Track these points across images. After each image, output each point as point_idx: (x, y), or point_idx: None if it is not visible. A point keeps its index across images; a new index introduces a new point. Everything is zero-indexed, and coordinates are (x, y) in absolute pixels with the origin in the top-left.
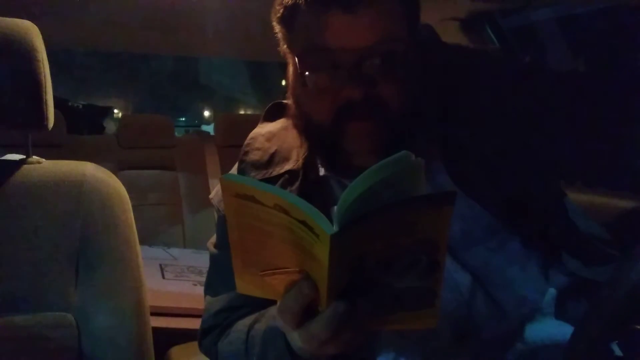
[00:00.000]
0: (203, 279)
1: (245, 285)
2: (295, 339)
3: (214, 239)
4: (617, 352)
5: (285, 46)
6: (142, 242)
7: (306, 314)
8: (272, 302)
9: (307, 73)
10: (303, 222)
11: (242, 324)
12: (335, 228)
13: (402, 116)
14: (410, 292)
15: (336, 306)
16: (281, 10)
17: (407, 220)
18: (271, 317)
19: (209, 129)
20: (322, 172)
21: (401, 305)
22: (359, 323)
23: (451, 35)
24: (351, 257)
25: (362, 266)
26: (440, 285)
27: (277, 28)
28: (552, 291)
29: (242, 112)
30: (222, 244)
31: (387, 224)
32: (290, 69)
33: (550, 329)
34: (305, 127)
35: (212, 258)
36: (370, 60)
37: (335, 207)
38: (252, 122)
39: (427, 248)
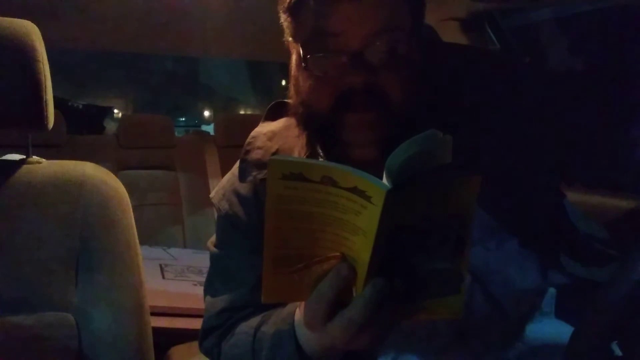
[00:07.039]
0: (203, 279)
1: (273, 290)
2: (321, 335)
3: (213, 238)
4: (617, 352)
5: (290, 37)
6: (142, 242)
7: (334, 312)
8: (280, 305)
9: (309, 57)
10: (352, 190)
11: (247, 326)
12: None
13: (402, 109)
14: (438, 275)
15: (375, 283)
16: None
17: (441, 191)
18: (280, 320)
19: (209, 129)
20: None
21: (429, 291)
22: (392, 309)
23: (451, 35)
24: (392, 228)
25: (399, 241)
26: (466, 266)
27: (283, 18)
28: (552, 291)
29: (242, 112)
30: (222, 243)
31: (425, 194)
32: (294, 58)
33: (550, 329)
34: (305, 117)
35: (212, 258)
36: (373, 47)
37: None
38: (252, 122)
39: (457, 224)
